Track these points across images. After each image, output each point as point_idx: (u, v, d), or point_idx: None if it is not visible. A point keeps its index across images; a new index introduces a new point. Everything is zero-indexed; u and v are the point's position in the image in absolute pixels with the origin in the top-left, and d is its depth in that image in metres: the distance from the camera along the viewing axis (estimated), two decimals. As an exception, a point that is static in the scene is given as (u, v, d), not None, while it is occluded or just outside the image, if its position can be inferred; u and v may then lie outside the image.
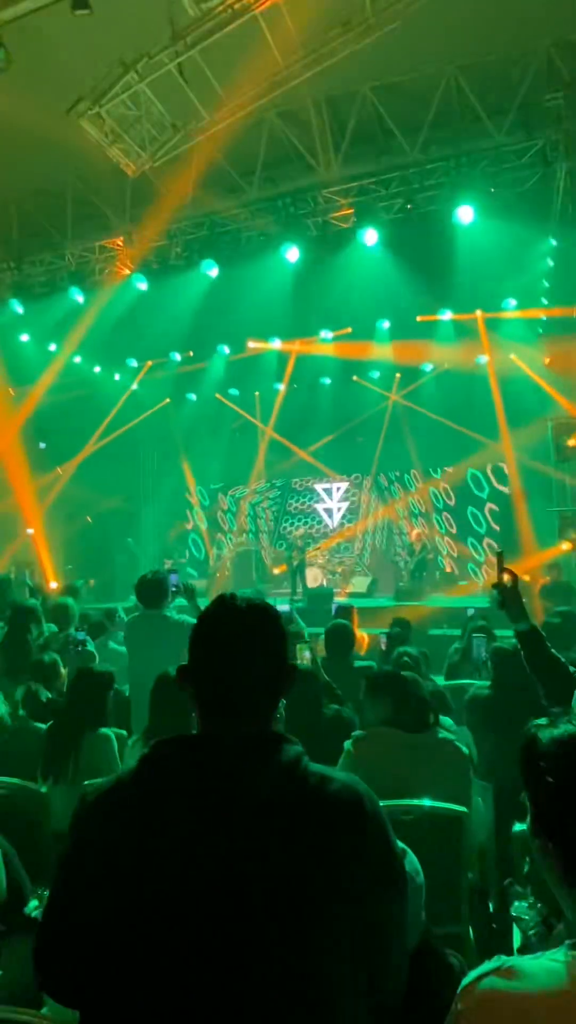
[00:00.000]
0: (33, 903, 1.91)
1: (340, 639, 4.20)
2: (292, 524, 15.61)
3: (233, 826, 0.99)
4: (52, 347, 11.92)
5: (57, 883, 1.08)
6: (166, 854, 0.98)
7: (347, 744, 2.61)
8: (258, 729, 1.11)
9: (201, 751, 1.08)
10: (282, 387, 14.46)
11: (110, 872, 0.99)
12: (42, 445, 13.24)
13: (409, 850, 1.49)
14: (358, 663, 4.14)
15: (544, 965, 0.93)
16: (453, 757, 2.59)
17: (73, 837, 1.09)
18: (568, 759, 1.04)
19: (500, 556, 2.24)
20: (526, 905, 2.50)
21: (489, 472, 13.82)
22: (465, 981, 0.98)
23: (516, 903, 2.49)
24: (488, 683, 3.50)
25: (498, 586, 2.18)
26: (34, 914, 1.89)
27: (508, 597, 2.17)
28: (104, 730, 3.09)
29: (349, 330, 12.21)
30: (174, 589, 4.32)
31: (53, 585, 10.20)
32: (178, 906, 0.95)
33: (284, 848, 0.99)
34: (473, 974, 0.97)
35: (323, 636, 4.51)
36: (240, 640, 1.15)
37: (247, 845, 0.99)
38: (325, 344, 12.72)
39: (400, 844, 1.28)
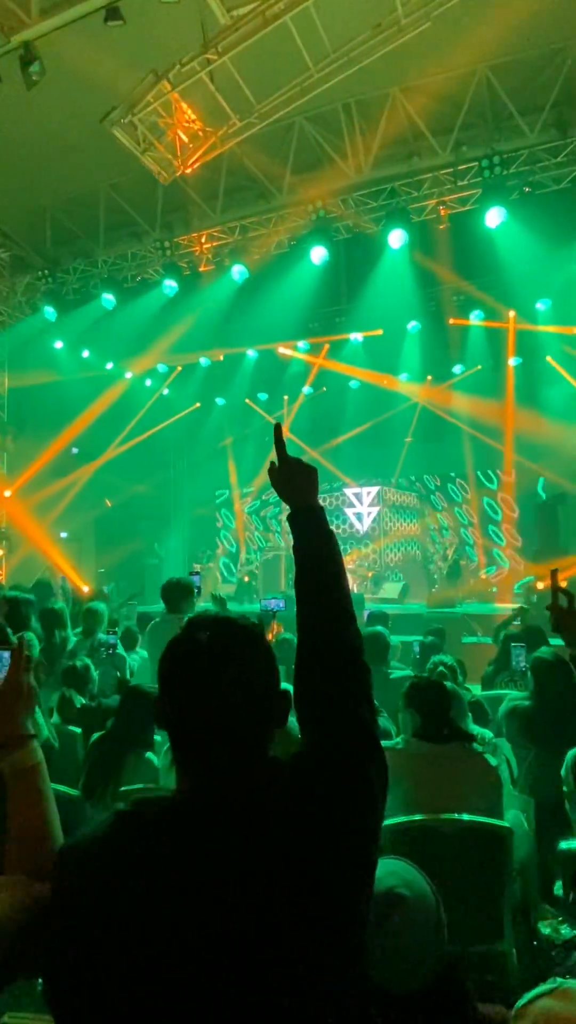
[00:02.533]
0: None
1: (375, 646, 4.14)
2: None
3: (206, 902, 0.91)
4: (85, 353, 12.08)
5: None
6: (147, 923, 0.90)
7: None
8: (236, 781, 0.98)
9: (170, 822, 0.98)
10: (302, 392, 14.47)
11: (90, 942, 0.91)
12: (74, 450, 13.41)
13: (419, 877, 1.42)
14: (396, 673, 4.06)
15: None
16: (481, 770, 2.51)
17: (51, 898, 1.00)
18: None
19: (555, 574, 2.11)
20: (551, 925, 2.44)
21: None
22: (520, 1003, 0.97)
23: (541, 923, 2.43)
24: (527, 693, 3.42)
25: (553, 608, 2.07)
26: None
27: (563, 620, 2.07)
28: (148, 755, 2.99)
29: (380, 332, 12.15)
30: (196, 590, 4.33)
31: (85, 589, 10.32)
32: (166, 983, 0.88)
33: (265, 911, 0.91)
34: (527, 996, 0.96)
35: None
36: (205, 678, 1.00)
37: (220, 913, 0.91)
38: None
39: (403, 874, 1.23)
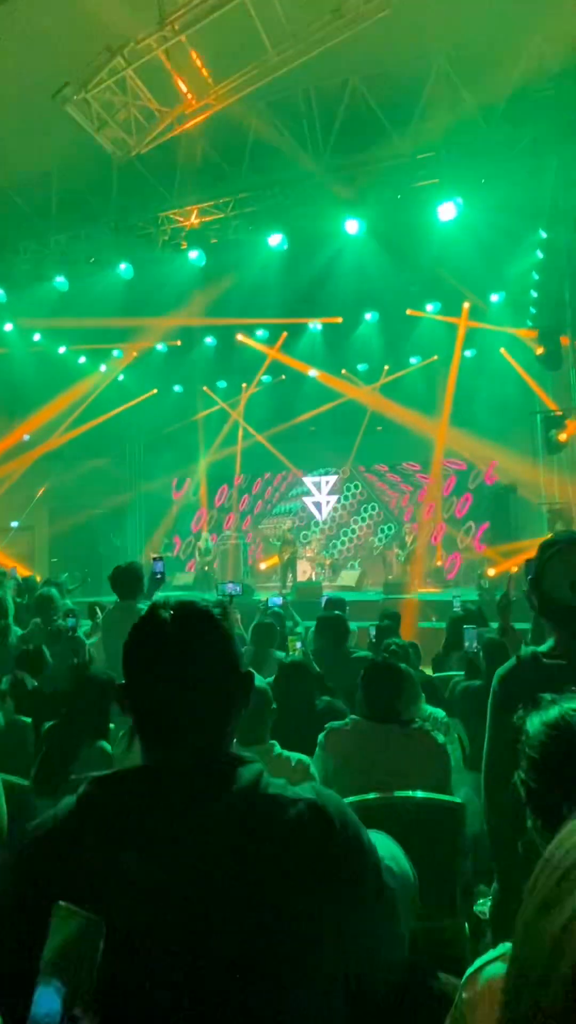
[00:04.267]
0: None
1: (333, 629, 4.18)
2: (279, 517, 15.59)
3: (185, 868, 0.91)
4: (36, 336, 11.78)
5: None
6: (115, 898, 0.88)
7: (320, 737, 2.60)
8: (205, 755, 0.99)
9: (142, 789, 0.99)
10: (260, 380, 14.44)
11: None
12: (25, 437, 13.07)
13: (401, 853, 1.44)
14: (358, 653, 4.11)
15: None
16: (430, 747, 2.56)
17: (9, 876, 0.99)
18: (555, 740, 1.05)
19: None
20: (489, 903, 2.52)
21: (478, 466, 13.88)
22: (470, 970, 0.97)
23: (480, 900, 2.51)
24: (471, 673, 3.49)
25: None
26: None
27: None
28: (102, 743, 2.94)
29: (339, 320, 12.18)
30: (158, 576, 4.26)
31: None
32: (134, 952, 0.88)
33: (244, 885, 0.92)
34: (477, 962, 0.96)
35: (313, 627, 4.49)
36: (171, 658, 1.01)
37: (202, 888, 0.91)
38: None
39: (391, 847, 1.24)
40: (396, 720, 2.54)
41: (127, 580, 4.04)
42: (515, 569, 9.15)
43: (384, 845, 1.39)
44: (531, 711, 1.11)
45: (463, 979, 0.97)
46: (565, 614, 1.79)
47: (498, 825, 1.82)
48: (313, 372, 13.81)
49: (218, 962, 0.89)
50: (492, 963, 0.94)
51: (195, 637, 1.04)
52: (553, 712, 1.08)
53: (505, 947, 0.95)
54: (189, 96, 7.15)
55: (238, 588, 5.20)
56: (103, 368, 13.78)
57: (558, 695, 1.11)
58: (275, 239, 9.13)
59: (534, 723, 1.09)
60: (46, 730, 2.99)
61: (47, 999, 0.74)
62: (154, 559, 4.44)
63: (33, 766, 2.85)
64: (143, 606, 3.98)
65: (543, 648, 1.87)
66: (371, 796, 2.29)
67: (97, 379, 13.63)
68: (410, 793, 2.29)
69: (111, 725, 3.30)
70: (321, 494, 15.75)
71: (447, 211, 8.36)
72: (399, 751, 2.45)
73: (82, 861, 0.93)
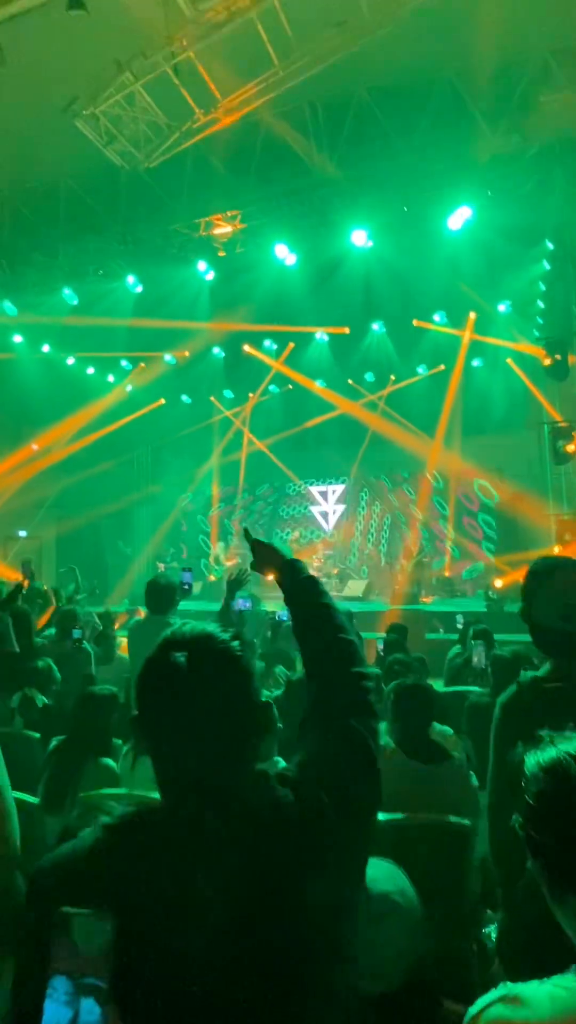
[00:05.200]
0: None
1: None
2: (287, 528, 15.57)
3: (203, 907, 0.92)
4: (45, 347, 11.86)
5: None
6: (130, 940, 0.89)
7: None
8: (221, 795, 0.99)
9: (158, 832, 0.99)
10: (268, 390, 14.48)
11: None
12: (34, 447, 13.12)
13: (407, 883, 1.44)
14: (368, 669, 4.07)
15: (550, 992, 0.92)
16: (463, 789, 2.52)
17: (27, 906, 1.00)
18: (550, 784, 1.02)
19: None
20: (494, 928, 2.49)
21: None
22: (472, 1010, 0.96)
23: (487, 928, 2.47)
24: (488, 690, 3.47)
25: None
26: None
27: None
28: (107, 760, 2.94)
29: (346, 330, 12.21)
30: (186, 587, 4.24)
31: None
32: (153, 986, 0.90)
33: (269, 911, 0.93)
34: (479, 1003, 0.96)
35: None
36: (187, 703, 0.99)
37: (223, 924, 0.92)
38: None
39: (397, 879, 1.25)
40: (430, 753, 2.46)
41: (162, 595, 4.03)
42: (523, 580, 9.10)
43: (389, 878, 1.39)
44: (529, 749, 1.09)
45: (466, 1017, 0.97)
46: (557, 641, 1.77)
47: (503, 855, 1.80)
48: (319, 382, 13.85)
49: (244, 977, 0.90)
50: (494, 1005, 0.94)
51: (210, 677, 1.02)
52: (549, 754, 1.06)
53: (507, 988, 0.95)
54: (197, 110, 7.22)
55: (247, 603, 5.18)
56: (111, 378, 13.85)
57: (557, 731, 1.09)
58: (282, 251, 9.16)
59: (531, 765, 1.06)
60: (50, 751, 2.98)
61: (51, 1009, 0.75)
62: (183, 569, 4.42)
63: (40, 784, 2.84)
64: (175, 620, 3.96)
65: (541, 672, 1.85)
66: (382, 817, 2.27)
67: (110, 392, 13.70)
68: (421, 814, 2.27)
69: (117, 740, 3.29)
70: (328, 504, 15.74)
71: (457, 219, 8.36)
72: (430, 788, 2.41)
73: (99, 899, 0.91)
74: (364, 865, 1.07)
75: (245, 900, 0.92)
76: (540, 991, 0.91)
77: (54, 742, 3.07)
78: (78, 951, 0.78)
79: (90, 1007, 0.76)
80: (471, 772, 2.60)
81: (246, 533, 1.66)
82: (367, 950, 1.32)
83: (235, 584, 3.78)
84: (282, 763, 2.56)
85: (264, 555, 1.55)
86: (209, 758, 1.00)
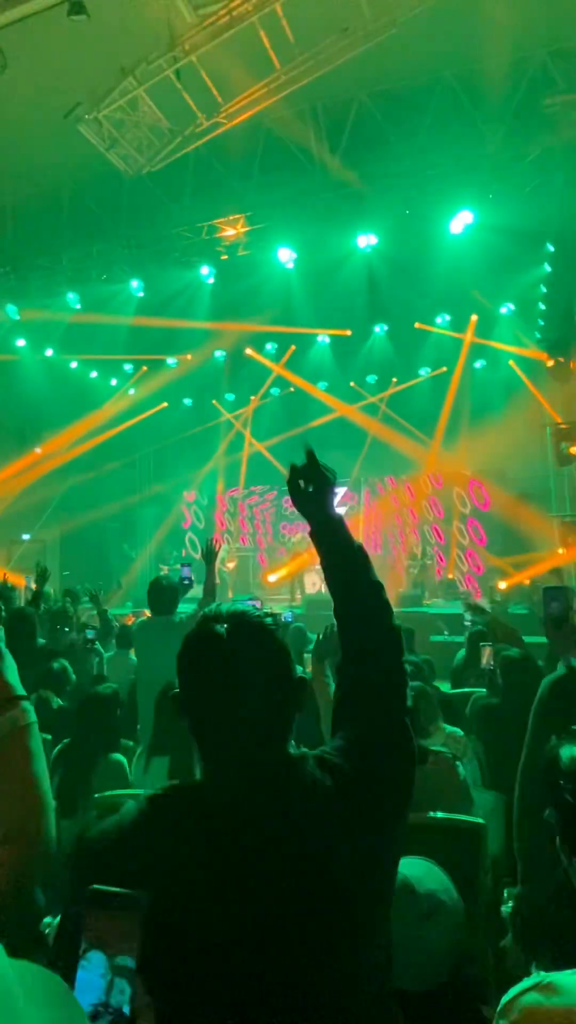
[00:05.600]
0: (47, 920, 1.84)
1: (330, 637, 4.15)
2: (290, 530, 15.58)
3: (245, 875, 0.95)
4: (49, 352, 11.89)
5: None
6: (174, 904, 0.92)
7: None
8: (260, 765, 1.01)
9: (200, 801, 1.02)
10: (269, 392, 14.50)
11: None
12: (37, 450, 13.13)
13: (449, 880, 1.46)
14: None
15: None
16: (451, 781, 2.53)
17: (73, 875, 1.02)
18: None
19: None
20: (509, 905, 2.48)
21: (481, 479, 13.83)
22: (505, 998, 0.97)
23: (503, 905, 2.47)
24: (496, 691, 3.47)
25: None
26: (47, 931, 1.81)
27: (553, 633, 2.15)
28: (116, 756, 2.98)
29: (348, 332, 12.23)
30: (186, 582, 4.25)
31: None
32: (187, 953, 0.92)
33: (304, 878, 0.95)
34: (513, 991, 0.97)
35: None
36: (228, 671, 1.02)
37: (264, 892, 0.94)
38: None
39: (440, 877, 1.27)
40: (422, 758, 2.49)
41: (164, 596, 4.06)
42: (527, 582, 9.11)
43: (433, 876, 1.41)
44: (565, 740, 1.10)
45: (500, 1006, 0.98)
46: None
47: (528, 835, 1.82)
48: (321, 385, 13.87)
49: (280, 955, 0.92)
50: (528, 992, 0.95)
51: (250, 649, 1.04)
52: None
53: (540, 976, 0.96)
54: (200, 114, 7.25)
55: (258, 603, 5.18)
56: (114, 382, 13.88)
57: None
58: (284, 254, 9.19)
59: (567, 757, 1.07)
60: (55, 756, 2.99)
61: (85, 979, 0.77)
62: (182, 565, 4.44)
63: (51, 787, 2.84)
64: (179, 618, 3.99)
65: None
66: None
67: (114, 396, 13.73)
68: (431, 814, 2.27)
69: (130, 743, 3.30)
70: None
71: (460, 222, 8.39)
72: (427, 788, 2.41)
73: (143, 869, 0.95)
74: (399, 851, 1.08)
75: (281, 877, 0.94)
76: (573, 979, 0.92)
77: (59, 745, 3.08)
78: (111, 926, 0.80)
79: (122, 986, 0.77)
80: (458, 763, 2.61)
81: (309, 450, 1.39)
82: (415, 948, 1.34)
83: (210, 555, 3.97)
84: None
85: (314, 488, 1.33)
86: (251, 730, 1.02)
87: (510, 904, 2.31)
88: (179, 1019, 0.88)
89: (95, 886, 0.80)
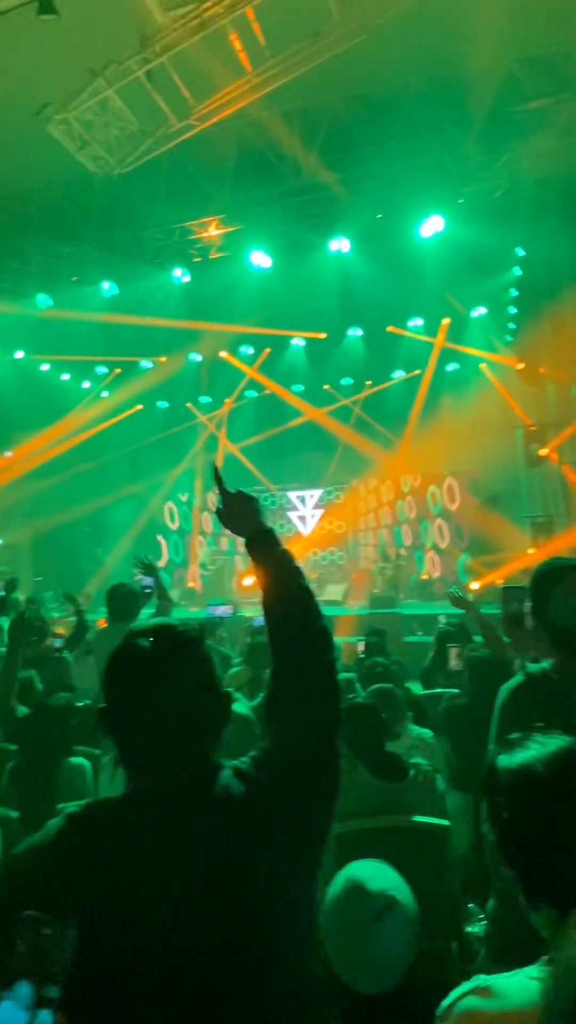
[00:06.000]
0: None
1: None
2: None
3: (169, 878, 0.96)
4: (19, 354, 11.74)
5: None
6: (97, 910, 0.95)
7: None
8: (185, 775, 1.03)
9: (125, 811, 1.04)
10: (243, 395, 14.52)
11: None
12: (7, 453, 12.95)
13: (404, 883, 1.46)
14: (340, 676, 4.07)
15: (519, 983, 0.94)
16: (431, 797, 2.54)
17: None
18: (520, 791, 1.01)
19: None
20: (479, 928, 2.51)
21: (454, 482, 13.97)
22: (444, 1003, 0.99)
23: (470, 927, 2.50)
24: (461, 691, 3.50)
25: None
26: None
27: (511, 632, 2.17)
28: (75, 760, 2.95)
29: (323, 335, 12.28)
30: (147, 591, 4.24)
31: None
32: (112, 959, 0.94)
33: (228, 879, 0.98)
34: (452, 995, 0.98)
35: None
36: (151, 685, 1.03)
37: (188, 896, 0.96)
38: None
39: (395, 879, 1.28)
40: (390, 771, 2.46)
41: (123, 602, 4.03)
42: (500, 582, 9.19)
43: (384, 875, 1.41)
44: (503, 748, 1.08)
45: (439, 1009, 0.99)
46: (570, 638, 1.82)
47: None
48: (296, 387, 13.89)
49: (201, 954, 0.93)
50: (466, 996, 0.96)
51: (174, 664, 1.06)
52: (518, 759, 1.03)
53: (479, 979, 0.97)
54: (171, 116, 7.22)
55: (229, 610, 5.19)
56: (86, 384, 13.75)
57: (525, 734, 1.08)
58: (258, 257, 9.20)
59: (503, 769, 1.04)
60: (10, 770, 2.95)
61: (9, 1010, 0.76)
62: (142, 574, 4.41)
63: (13, 802, 2.82)
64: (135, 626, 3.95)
65: (547, 666, 1.91)
66: (359, 822, 2.28)
67: (86, 398, 13.59)
68: (396, 816, 2.29)
69: (96, 751, 3.26)
70: (306, 508, 15.76)
71: (429, 227, 8.48)
72: (396, 803, 2.42)
73: (67, 878, 0.97)
74: (316, 860, 1.09)
75: (199, 882, 0.96)
76: (510, 982, 0.93)
77: (12, 761, 3.04)
78: (39, 954, 0.80)
79: (44, 1018, 0.77)
80: (436, 776, 2.62)
81: (215, 473, 1.47)
82: (368, 950, 1.33)
83: (148, 569, 4.12)
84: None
85: (237, 510, 1.38)
86: (169, 742, 1.03)
87: (476, 927, 2.33)
88: None
89: (28, 912, 0.81)
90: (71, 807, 1.09)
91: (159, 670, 1.04)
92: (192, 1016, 0.91)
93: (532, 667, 1.93)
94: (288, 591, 1.25)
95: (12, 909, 0.87)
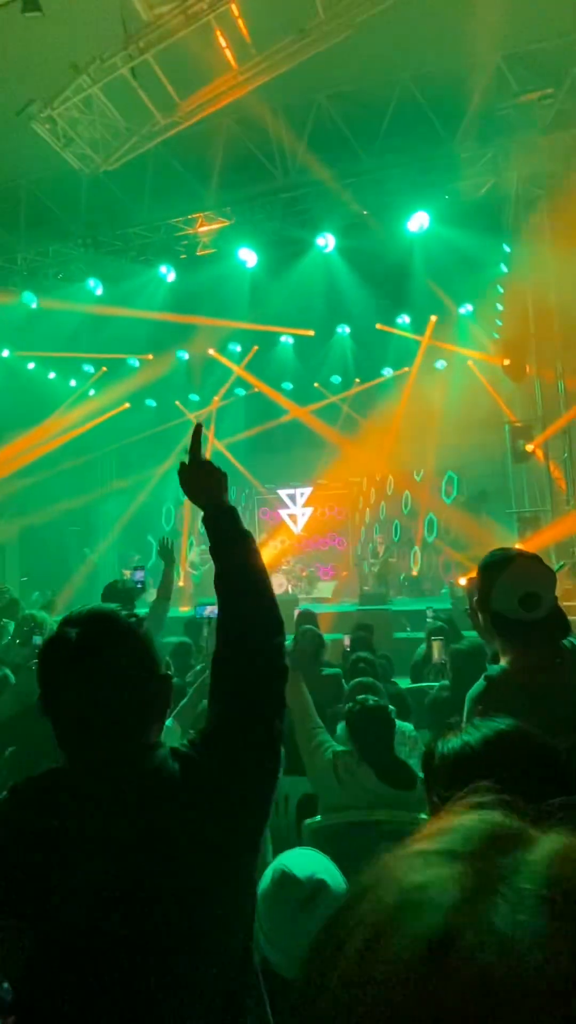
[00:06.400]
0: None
1: (308, 644, 4.16)
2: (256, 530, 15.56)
3: (113, 856, 0.97)
4: (4, 352, 11.67)
5: None
6: (44, 896, 0.95)
7: (325, 760, 2.49)
8: (119, 753, 1.04)
9: (60, 788, 1.05)
10: (234, 393, 14.49)
11: None
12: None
13: (330, 861, 1.49)
14: (326, 671, 4.08)
15: None
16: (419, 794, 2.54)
17: None
18: (455, 773, 0.98)
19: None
20: None
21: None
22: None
23: None
24: (447, 684, 3.52)
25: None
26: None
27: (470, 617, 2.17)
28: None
29: (312, 333, 12.28)
30: (140, 586, 4.20)
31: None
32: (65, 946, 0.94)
33: (169, 854, 0.99)
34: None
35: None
36: (79, 669, 1.05)
37: (131, 870, 0.96)
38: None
39: (325, 863, 1.30)
40: (399, 778, 2.44)
41: (115, 600, 4.00)
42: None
43: (314, 861, 1.43)
44: (444, 736, 1.07)
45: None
46: (517, 629, 1.82)
47: None
48: (285, 385, 13.88)
49: (151, 929, 0.94)
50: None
51: (102, 647, 1.07)
52: (451, 744, 1.02)
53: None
54: (156, 113, 7.20)
55: (216, 611, 5.13)
56: (72, 383, 13.69)
57: (458, 720, 1.07)
58: (244, 254, 9.20)
59: (439, 754, 1.03)
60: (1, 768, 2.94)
61: None
62: (134, 568, 4.38)
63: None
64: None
65: (506, 664, 1.88)
66: (344, 816, 2.30)
67: (73, 396, 13.53)
68: (379, 811, 2.30)
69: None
70: (296, 506, 15.76)
71: (415, 223, 8.50)
72: (400, 813, 2.41)
73: (8, 865, 0.98)
74: (252, 841, 1.09)
75: (131, 864, 0.96)
76: None
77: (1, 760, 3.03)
78: None
79: None
80: (412, 753, 2.64)
81: (196, 433, 1.42)
82: (296, 937, 1.33)
83: (166, 553, 3.95)
84: None
85: (204, 479, 1.34)
86: (100, 725, 1.05)
87: None
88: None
89: None
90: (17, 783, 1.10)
91: (86, 656, 1.06)
92: (121, 997, 0.91)
93: (492, 669, 1.90)
94: (243, 569, 1.26)
95: None
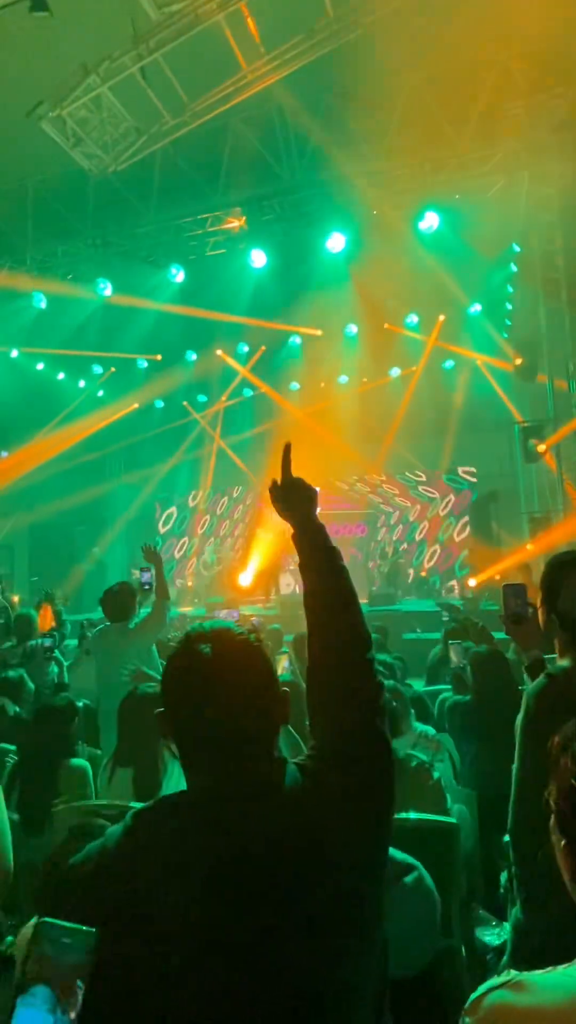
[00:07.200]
0: (9, 939, 1.79)
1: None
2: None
3: (246, 882, 0.95)
4: (14, 353, 11.68)
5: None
6: (166, 922, 0.93)
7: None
8: (251, 776, 1.03)
9: (195, 814, 1.02)
10: (240, 394, 14.49)
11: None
12: (3, 454, 12.89)
13: (427, 874, 1.45)
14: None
15: (556, 979, 0.89)
16: (424, 785, 2.52)
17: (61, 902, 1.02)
18: None
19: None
20: (488, 930, 2.48)
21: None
22: (473, 996, 0.94)
23: (479, 928, 2.47)
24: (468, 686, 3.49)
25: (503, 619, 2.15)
26: (8, 952, 1.76)
27: (512, 632, 2.15)
28: (76, 761, 2.93)
29: (320, 332, 12.26)
30: (146, 587, 4.21)
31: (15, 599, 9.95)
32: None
33: (308, 885, 0.97)
34: (481, 988, 0.93)
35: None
36: (216, 691, 1.04)
37: (268, 902, 0.95)
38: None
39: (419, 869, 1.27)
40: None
41: (118, 602, 3.99)
42: (498, 577, 9.20)
43: (404, 856, 1.41)
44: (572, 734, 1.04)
45: (467, 1003, 0.95)
46: None
47: (524, 843, 1.80)
48: (292, 386, 13.86)
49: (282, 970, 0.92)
50: (497, 989, 0.92)
51: (234, 667, 1.07)
52: None
53: (511, 974, 0.93)
54: (165, 113, 7.18)
55: (235, 614, 5.16)
56: (82, 384, 13.70)
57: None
58: (254, 254, 9.17)
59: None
60: (10, 770, 2.92)
61: (33, 1014, 0.75)
62: (141, 569, 4.39)
63: (11, 804, 2.78)
64: (133, 624, 3.94)
65: (565, 664, 1.87)
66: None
67: (81, 397, 13.55)
68: (404, 815, 2.27)
69: (98, 751, 3.24)
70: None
71: (426, 223, 8.46)
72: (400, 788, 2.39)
73: (134, 889, 0.96)
74: (385, 852, 1.10)
75: (272, 887, 0.95)
76: (546, 978, 0.89)
77: (11, 761, 3.01)
78: (53, 962, 0.78)
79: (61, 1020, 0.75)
80: (433, 766, 2.61)
81: (286, 451, 1.41)
82: (394, 918, 1.31)
83: (152, 556, 4.11)
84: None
85: (295, 494, 1.35)
86: (236, 745, 1.04)
87: (488, 932, 2.29)
88: None
89: (44, 919, 0.78)
90: (138, 806, 1.08)
91: (221, 675, 1.05)
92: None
93: (554, 668, 1.90)
94: (333, 587, 1.26)
95: (50, 911, 0.85)
